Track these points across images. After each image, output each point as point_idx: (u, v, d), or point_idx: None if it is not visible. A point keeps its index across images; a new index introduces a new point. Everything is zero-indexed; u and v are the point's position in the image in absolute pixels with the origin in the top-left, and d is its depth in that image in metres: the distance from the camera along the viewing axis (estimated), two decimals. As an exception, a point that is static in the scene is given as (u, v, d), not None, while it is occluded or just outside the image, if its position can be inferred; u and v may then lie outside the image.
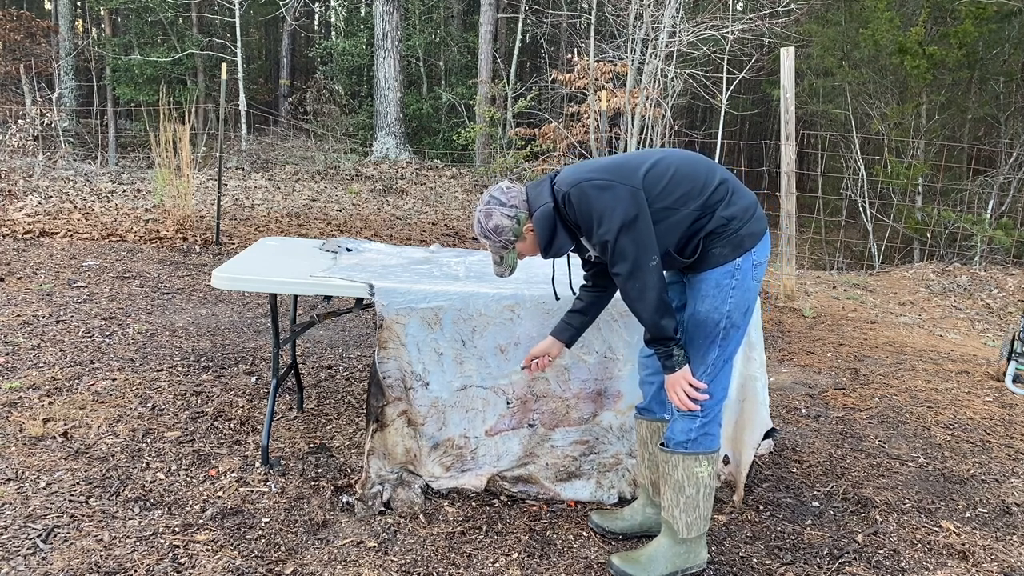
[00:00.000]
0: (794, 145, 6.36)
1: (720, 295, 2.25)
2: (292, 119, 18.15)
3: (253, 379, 3.86)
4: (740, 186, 2.30)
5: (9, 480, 2.71)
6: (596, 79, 11.34)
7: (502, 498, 2.84)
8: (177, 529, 2.49)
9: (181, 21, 21.02)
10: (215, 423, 3.31)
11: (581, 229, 2.26)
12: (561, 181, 2.25)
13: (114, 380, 3.68)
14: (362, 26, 21.45)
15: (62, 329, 4.35)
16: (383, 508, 2.70)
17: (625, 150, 9.97)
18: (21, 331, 4.26)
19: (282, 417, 3.44)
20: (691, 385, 2.26)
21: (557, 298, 2.62)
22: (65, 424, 3.16)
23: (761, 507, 2.90)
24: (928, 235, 10.97)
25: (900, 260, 11.44)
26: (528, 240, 2.32)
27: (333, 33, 25.77)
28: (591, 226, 2.20)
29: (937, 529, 2.82)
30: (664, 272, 2.50)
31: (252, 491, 2.77)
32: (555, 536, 2.62)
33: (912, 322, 6.47)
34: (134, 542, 2.40)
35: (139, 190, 9.40)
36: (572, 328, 2.51)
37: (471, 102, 16.05)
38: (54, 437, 3.05)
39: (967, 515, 2.95)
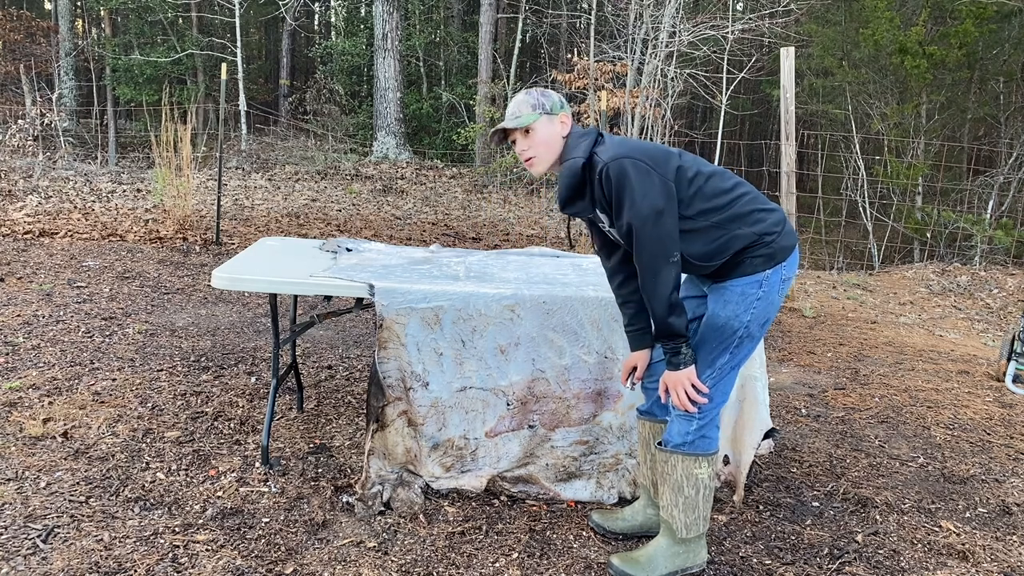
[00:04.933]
0: (794, 145, 6.36)
1: (743, 304, 2.23)
2: (292, 119, 18.15)
3: (253, 379, 3.86)
4: (767, 202, 2.29)
5: (9, 480, 2.71)
6: (596, 79, 11.34)
7: (502, 498, 2.84)
8: (177, 529, 2.49)
9: (181, 21, 21.02)
10: (215, 423, 3.31)
11: (609, 203, 2.21)
12: (603, 151, 2.20)
13: (114, 380, 3.68)
14: (362, 26, 21.45)
15: (62, 329, 4.35)
16: (383, 508, 2.70)
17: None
18: (21, 331, 4.26)
19: (282, 417, 3.44)
20: (693, 386, 2.24)
21: (571, 245, 2.62)
22: (65, 424, 3.16)
23: (761, 507, 2.90)
24: (928, 235, 10.97)
25: (900, 260, 11.44)
26: (545, 134, 2.29)
27: (333, 33, 25.78)
28: (621, 205, 2.15)
29: (937, 529, 2.82)
30: (687, 281, 2.51)
31: (252, 491, 2.77)
32: (555, 536, 2.62)
33: (912, 322, 6.47)
34: (134, 542, 2.40)
35: (139, 190, 9.40)
36: (645, 328, 2.47)
37: (471, 102, 16.07)
38: (54, 437, 3.05)
39: (967, 515, 2.95)
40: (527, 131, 2.30)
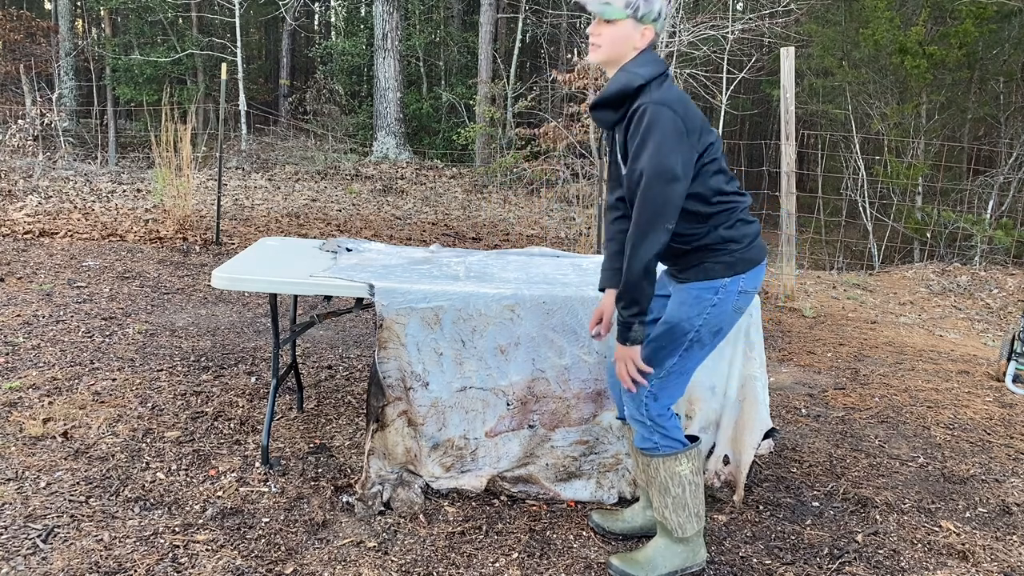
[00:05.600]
0: (794, 145, 6.36)
1: (697, 307, 2.24)
2: (292, 119, 18.16)
3: (253, 379, 3.86)
4: (751, 218, 2.30)
5: (9, 480, 2.71)
6: (596, 79, 11.34)
7: (502, 498, 2.84)
8: (177, 529, 2.49)
9: (181, 21, 21.03)
10: (215, 423, 3.31)
11: (628, 137, 2.15)
12: (657, 90, 2.12)
13: (114, 380, 3.68)
14: (362, 26, 21.45)
15: (62, 329, 4.35)
16: (383, 508, 2.70)
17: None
18: (21, 331, 4.26)
19: (282, 417, 3.44)
20: (637, 368, 2.23)
21: (599, 154, 2.56)
22: (65, 424, 3.16)
23: (761, 507, 2.90)
24: (928, 235, 10.98)
25: (900, 260, 11.44)
26: (621, 34, 2.18)
27: (333, 33, 25.78)
28: (642, 149, 2.09)
29: (937, 529, 2.82)
30: (659, 277, 2.51)
31: (252, 491, 2.77)
32: (555, 536, 2.62)
33: (912, 322, 6.46)
34: (134, 542, 2.40)
35: (139, 190, 9.40)
36: (619, 270, 2.42)
37: (471, 102, 16.07)
38: (54, 437, 3.05)
39: (967, 515, 2.95)
40: (608, 21, 2.20)
